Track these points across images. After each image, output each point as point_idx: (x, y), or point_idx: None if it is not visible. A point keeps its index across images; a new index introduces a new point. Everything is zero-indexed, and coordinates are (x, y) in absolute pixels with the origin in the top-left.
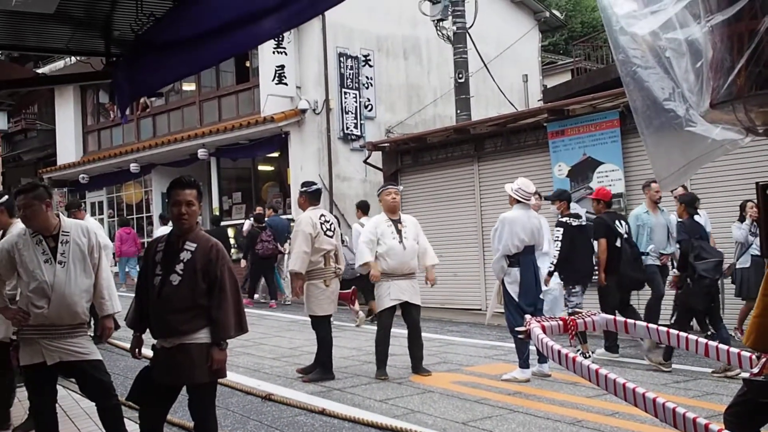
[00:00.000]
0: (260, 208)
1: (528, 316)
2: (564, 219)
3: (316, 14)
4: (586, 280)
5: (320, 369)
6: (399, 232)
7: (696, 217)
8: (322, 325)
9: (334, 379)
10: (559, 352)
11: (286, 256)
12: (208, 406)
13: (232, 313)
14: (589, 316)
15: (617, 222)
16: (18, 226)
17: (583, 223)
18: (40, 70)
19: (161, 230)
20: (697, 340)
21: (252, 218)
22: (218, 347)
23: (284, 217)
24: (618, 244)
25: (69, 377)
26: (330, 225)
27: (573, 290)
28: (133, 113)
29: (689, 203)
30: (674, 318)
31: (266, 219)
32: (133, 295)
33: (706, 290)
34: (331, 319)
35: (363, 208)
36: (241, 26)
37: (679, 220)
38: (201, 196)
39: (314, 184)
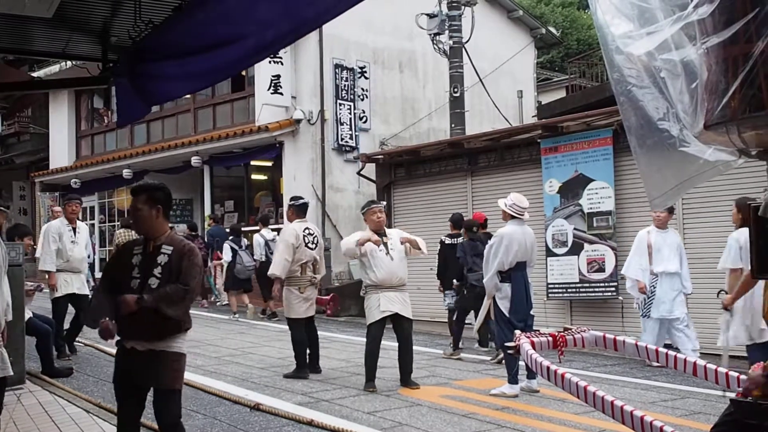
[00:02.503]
0: (211, 220)
1: (518, 332)
2: (442, 238)
3: (315, 28)
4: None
5: (297, 367)
6: (385, 244)
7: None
8: (296, 327)
9: (308, 378)
10: (548, 368)
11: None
12: (175, 411)
13: (180, 300)
14: (579, 332)
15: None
16: None
17: (455, 243)
18: (35, 74)
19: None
20: (685, 360)
21: (186, 226)
22: (138, 300)
23: (273, 226)
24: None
25: None
26: (313, 238)
27: (446, 293)
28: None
29: (468, 227)
30: (455, 317)
31: (208, 227)
32: None
33: (475, 295)
34: (315, 325)
35: (264, 221)
36: (238, 41)
37: (460, 241)
38: (154, 201)
39: (302, 198)
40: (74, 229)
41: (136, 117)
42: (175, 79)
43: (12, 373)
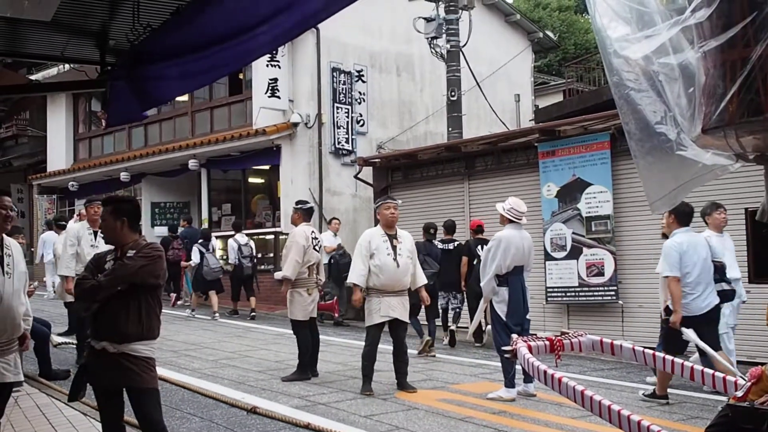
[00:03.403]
0: (185, 222)
1: (515, 336)
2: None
3: (309, 27)
4: (452, 288)
5: (298, 368)
6: (394, 248)
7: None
8: (301, 329)
9: (310, 379)
10: (545, 372)
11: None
12: (154, 410)
13: (114, 272)
14: (576, 336)
15: (479, 246)
16: None
17: (451, 247)
18: (33, 77)
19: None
20: (682, 364)
21: (167, 228)
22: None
23: (270, 230)
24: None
25: None
26: (317, 241)
27: (443, 295)
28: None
29: (426, 229)
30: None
31: (181, 229)
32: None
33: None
34: (317, 325)
35: (237, 227)
36: (236, 41)
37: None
38: (119, 213)
39: (308, 202)
40: (95, 233)
41: (130, 119)
42: (173, 79)
43: (23, 379)
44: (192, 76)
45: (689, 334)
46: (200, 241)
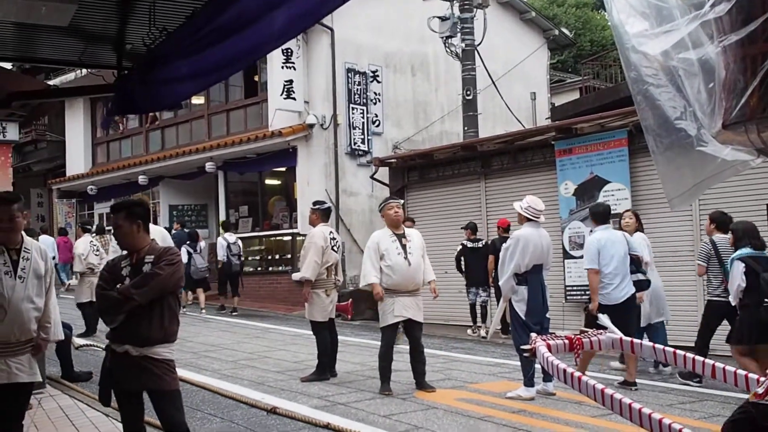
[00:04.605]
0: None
1: (534, 335)
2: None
3: (320, 18)
4: (480, 284)
5: (318, 369)
6: (404, 247)
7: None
8: (320, 330)
9: (329, 380)
10: (564, 371)
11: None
12: (177, 412)
13: (144, 284)
14: (595, 335)
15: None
16: None
17: (479, 245)
18: (51, 82)
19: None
20: (703, 362)
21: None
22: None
23: (287, 231)
24: None
25: None
26: (335, 242)
27: (471, 290)
28: (142, 125)
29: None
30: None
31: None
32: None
33: None
34: (335, 327)
35: (225, 227)
36: (250, 30)
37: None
38: (134, 216)
39: (325, 203)
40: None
41: (135, 112)
42: (186, 78)
43: (41, 380)
44: (205, 73)
45: (604, 319)
46: (188, 242)
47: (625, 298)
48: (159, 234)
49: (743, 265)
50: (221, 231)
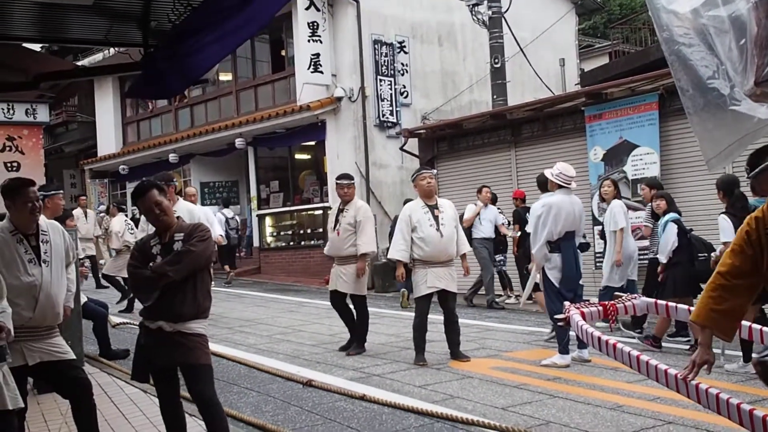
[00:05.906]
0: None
1: (567, 303)
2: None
3: None
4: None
5: (357, 343)
6: (436, 218)
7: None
8: (365, 304)
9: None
10: (599, 338)
11: None
12: (206, 386)
13: (179, 261)
14: (629, 300)
15: (527, 214)
16: None
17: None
18: (79, 63)
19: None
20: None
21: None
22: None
23: (318, 205)
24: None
25: (42, 378)
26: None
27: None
28: (171, 104)
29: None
30: None
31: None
32: None
33: None
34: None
35: (225, 203)
36: None
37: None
38: (163, 191)
39: (350, 176)
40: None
41: (162, 96)
42: (213, 43)
43: (23, 405)
44: (230, 33)
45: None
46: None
47: None
48: (185, 210)
49: (676, 226)
50: (221, 206)
